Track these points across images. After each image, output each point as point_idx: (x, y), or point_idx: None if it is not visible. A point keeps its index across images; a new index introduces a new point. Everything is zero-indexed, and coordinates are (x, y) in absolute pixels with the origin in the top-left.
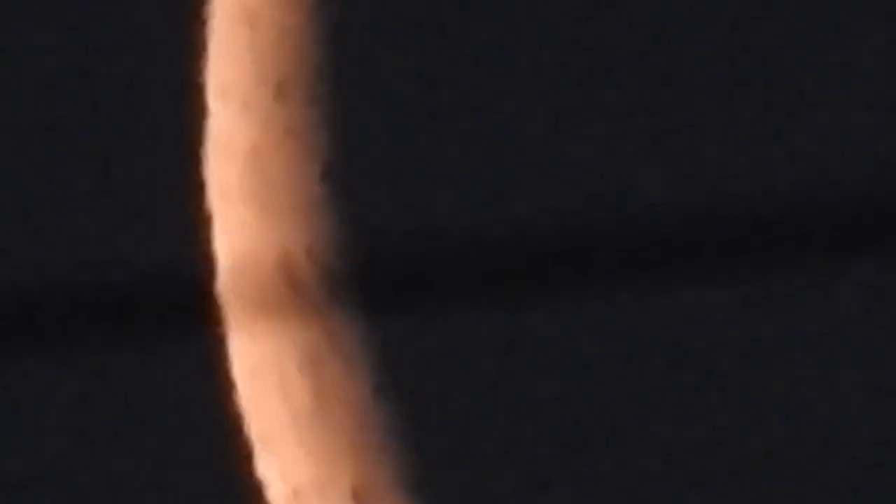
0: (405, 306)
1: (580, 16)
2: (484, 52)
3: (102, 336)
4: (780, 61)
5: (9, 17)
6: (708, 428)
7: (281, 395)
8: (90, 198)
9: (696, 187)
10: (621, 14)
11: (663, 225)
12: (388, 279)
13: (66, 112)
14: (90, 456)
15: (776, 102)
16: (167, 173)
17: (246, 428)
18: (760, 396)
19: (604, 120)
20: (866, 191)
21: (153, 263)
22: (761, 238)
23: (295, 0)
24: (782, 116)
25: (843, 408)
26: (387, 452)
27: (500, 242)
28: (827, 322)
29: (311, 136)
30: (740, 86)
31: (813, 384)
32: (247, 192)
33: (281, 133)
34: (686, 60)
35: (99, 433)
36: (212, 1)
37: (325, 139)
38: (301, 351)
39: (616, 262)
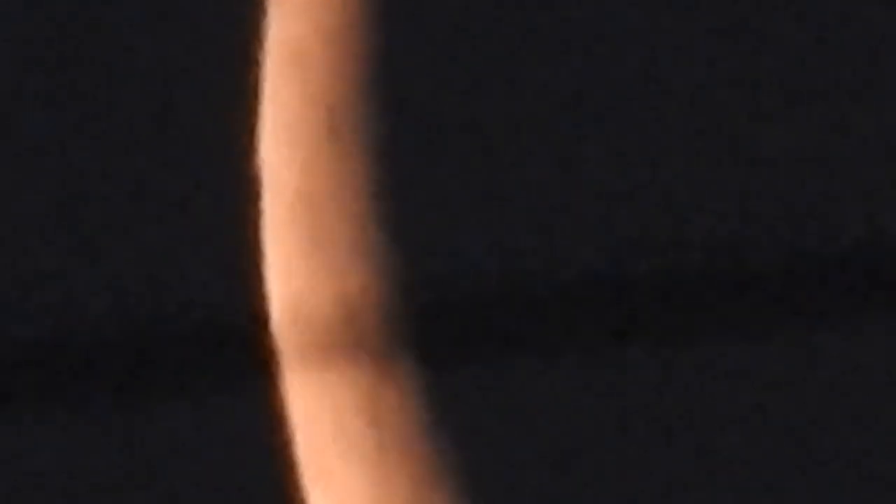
0: (464, 349)
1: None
2: (541, 80)
3: (156, 382)
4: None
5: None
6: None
7: (338, 438)
8: (142, 240)
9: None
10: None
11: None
12: (446, 321)
13: (121, 152)
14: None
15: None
16: (219, 214)
17: (301, 471)
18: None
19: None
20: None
21: (206, 304)
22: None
23: (345, 39)
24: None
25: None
26: (443, 494)
27: (564, 287)
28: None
29: (364, 174)
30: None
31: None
32: (299, 231)
33: (334, 171)
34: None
35: (152, 479)
36: (264, 43)
37: (379, 177)
38: (358, 392)
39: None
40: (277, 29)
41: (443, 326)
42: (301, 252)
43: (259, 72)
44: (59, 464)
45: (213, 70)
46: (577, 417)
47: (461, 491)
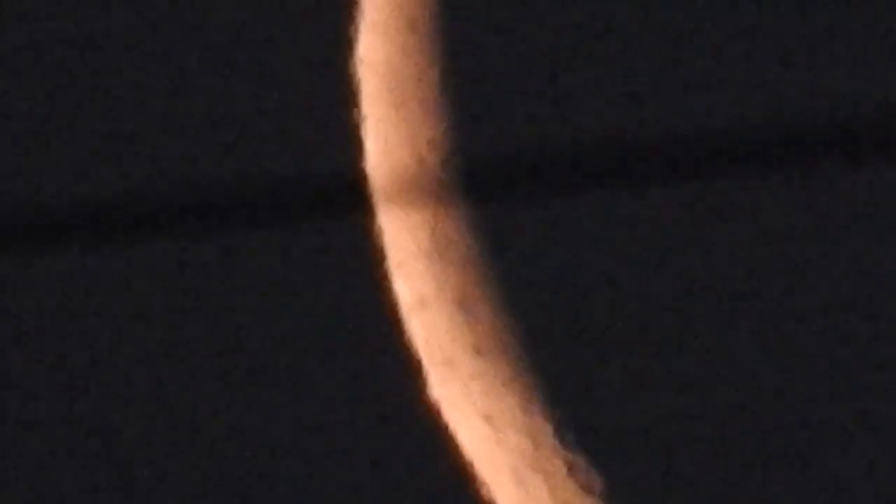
0: (504, 191)
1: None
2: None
3: (283, 218)
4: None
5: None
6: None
7: (424, 277)
8: (274, 109)
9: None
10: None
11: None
12: (490, 170)
13: (251, 40)
14: (268, 311)
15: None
16: (330, 87)
17: (391, 275)
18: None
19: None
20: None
21: (320, 157)
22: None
23: None
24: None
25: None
26: (487, 304)
27: (587, 145)
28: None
29: (433, 57)
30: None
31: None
32: (387, 100)
33: (412, 55)
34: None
35: (276, 295)
36: None
37: (445, 60)
38: (425, 224)
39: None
40: None
41: (490, 175)
42: (388, 116)
43: None
44: (211, 276)
45: None
46: (598, 246)
47: (501, 301)
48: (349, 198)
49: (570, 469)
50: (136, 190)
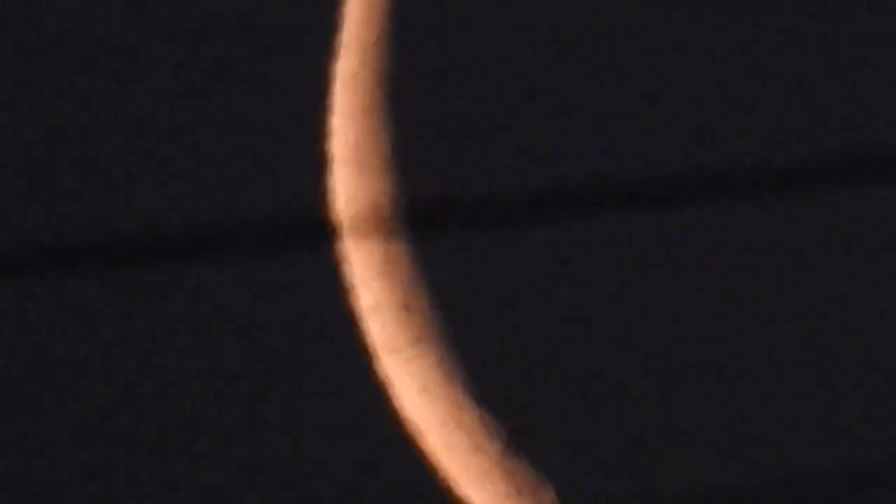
0: (436, 228)
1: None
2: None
3: (260, 248)
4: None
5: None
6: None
7: (369, 279)
8: (260, 158)
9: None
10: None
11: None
12: (428, 215)
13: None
14: (246, 318)
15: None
16: (310, 144)
17: (354, 297)
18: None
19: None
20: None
21: (300, 199)
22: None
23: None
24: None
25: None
26: (420, 299)
27: (497, 200)
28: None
29: (386, 124)
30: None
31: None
32: (352, 157)
33: (370, 123)
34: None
35: (246, 315)
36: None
37: (396, 126)
38: (379, 256)
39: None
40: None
41: (426, 218)
42: (353, 169)
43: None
44: (192, 303)
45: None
46: (512, 268)
47: (433, 306)
48: (323, 231)
49: (482, 421)
50: (115, 225)
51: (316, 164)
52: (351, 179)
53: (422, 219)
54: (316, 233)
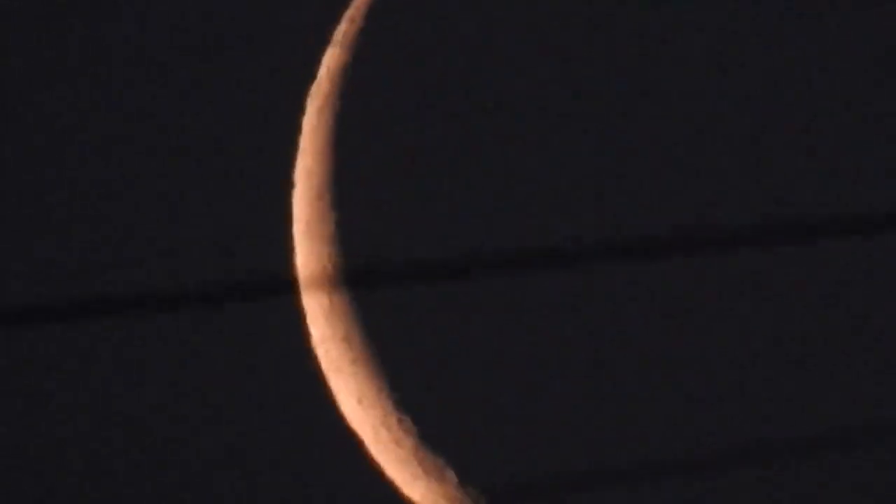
0: (379, 288)
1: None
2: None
3: (224, 304)
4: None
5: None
6: None
7: (325, 326)
8: (229, 222)
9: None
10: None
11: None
12: (371, 274)
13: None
14: (215, 365)
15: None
16: (273, 208)
17: (306, 331)
18: None
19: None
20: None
21: (265, 261)
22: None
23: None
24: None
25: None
26: (355, 333)
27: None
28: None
29: (331, 207)
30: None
31: None
32: (310, 222)
33: (324, 194)
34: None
35: (215, 366)
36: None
37: (340, 210)
38: (331, 309)
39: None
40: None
41: (369, 276)
42: (307, 241)
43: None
44: (164, 355)
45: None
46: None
47: (367, 339)
48: (285, 286)
49: (401, 423)
50: (110, 280)
51: (280, 236)
52: (305, 249)
53: (356, 277)
54: (280, 287)
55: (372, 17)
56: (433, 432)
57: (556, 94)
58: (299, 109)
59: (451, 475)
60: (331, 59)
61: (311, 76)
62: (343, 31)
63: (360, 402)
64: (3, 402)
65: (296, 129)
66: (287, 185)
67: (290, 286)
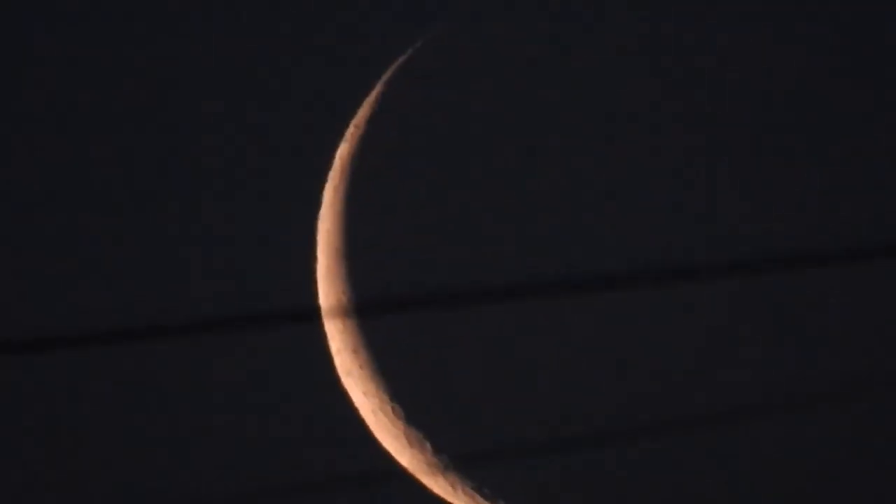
0: (378, 315)
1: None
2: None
3: (253, 329)
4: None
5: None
6: None
7: (340, 342)
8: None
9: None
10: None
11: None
12: (373, 304)
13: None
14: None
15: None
16: (301, 259)
17: (326, 345)
18: None
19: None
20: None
21: (288, 290)
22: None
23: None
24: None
25: None
26: (363, 346)
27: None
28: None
29: (344, 255)
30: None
31: None
32: (328, 259)
33: (337, 240)
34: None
35: (249, 382)
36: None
37: (351, 258)
38: (346, 333)
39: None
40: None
41: (378, 308)
42: (326, 278)
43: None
44: (192, 376)
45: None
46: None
47: (371, 350)
48: (311, 311)
49: (394, 409)
50: (145, 308)
51: (308, 277)
52: (325, 286)
53: (362, 307)
54: (308, 314)
55: (371, 123)
56: (417, 416)
57: (524, 163)
58: (320, 188)
59: (428, 446)
60: (343, 151)
61: (328, 165)
62: (350, 132)
63: (364, 394)
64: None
65: (318, 202)
66: (312, 241)
67: (314, 313)
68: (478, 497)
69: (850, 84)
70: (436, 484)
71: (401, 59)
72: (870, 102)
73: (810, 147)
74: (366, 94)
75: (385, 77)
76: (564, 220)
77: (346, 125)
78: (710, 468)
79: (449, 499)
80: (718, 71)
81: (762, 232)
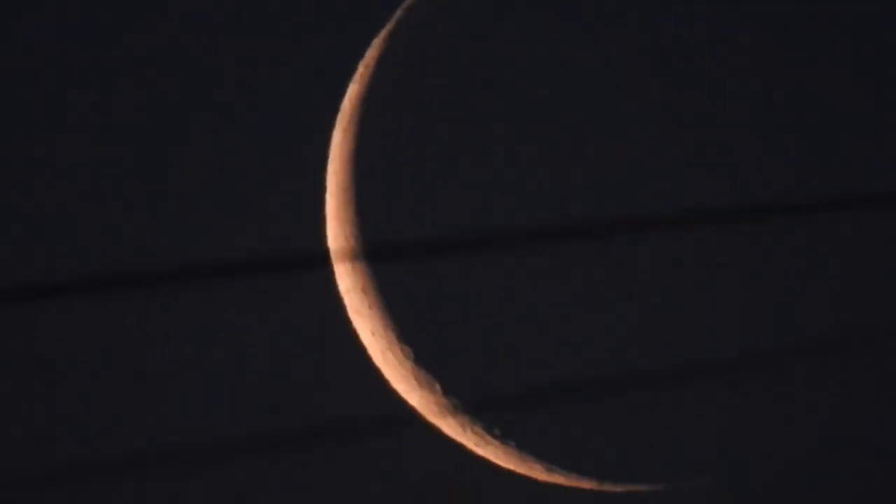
0: (393, 260)
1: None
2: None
3: (265, 278)
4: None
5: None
6: None
7: (349, 282)
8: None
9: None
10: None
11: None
12: (381, 246)
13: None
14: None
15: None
16: (311, 203)
17: (335, 285)
18: None
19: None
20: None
21: (301, 235)
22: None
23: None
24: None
25: None
26: (370, 286)
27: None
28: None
29: (353, 198)
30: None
31: None
32: (336, 203)
33: (348, 187)
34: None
35: (270, 313)
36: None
37: (359, 200)
38: (356, 274)
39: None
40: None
41: (385, 250)
42: (334, 222)
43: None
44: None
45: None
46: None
47: (380, 292)
48: (320, 255)
49: (402, 350)
50: (156, 253)
51: (316, 220)
52: (334, 228)
53: (370, 248)
54: (317, 256)
55: (380, 63)
56: (425, 356)
57: (531, 108)
58: (329, 129)
59: (438, 388)
60: (352, 92)
61: (337, 105)
62: (360, 72)
63: (373, 334)
64: (32, 374)
65: (326, 143)
66: (321, 183)
67: (324, 255)
68: (488, 437)
69: (850, 84)
70: (445, 424)
71: None
72: (870, 102)
73: (810, 147)
74: (375, 34)
75: (395, 16)
76: (583, 163)
77: (356, 65)
78: (710, 413)
79: (459, 439)
80: (718, 71)
81: (762, 231)
